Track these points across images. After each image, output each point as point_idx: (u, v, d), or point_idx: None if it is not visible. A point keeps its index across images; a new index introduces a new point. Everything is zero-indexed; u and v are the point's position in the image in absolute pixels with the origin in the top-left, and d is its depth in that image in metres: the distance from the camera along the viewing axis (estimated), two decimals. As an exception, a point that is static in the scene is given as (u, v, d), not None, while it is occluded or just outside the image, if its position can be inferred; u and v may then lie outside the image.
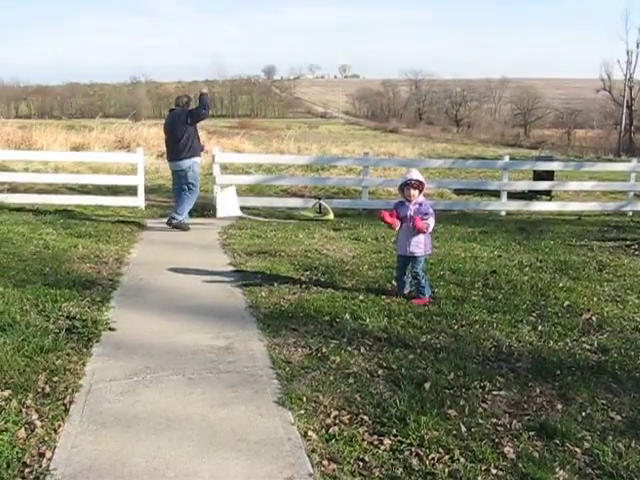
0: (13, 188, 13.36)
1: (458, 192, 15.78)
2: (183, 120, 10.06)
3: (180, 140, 10.01)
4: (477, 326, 5.52)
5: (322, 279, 6.97)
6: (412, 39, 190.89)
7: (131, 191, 12.55)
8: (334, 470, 3.26)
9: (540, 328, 5.52)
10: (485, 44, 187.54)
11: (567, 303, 6.24)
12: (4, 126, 23.12)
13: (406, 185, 6.25)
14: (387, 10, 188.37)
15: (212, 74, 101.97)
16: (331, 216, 11.56)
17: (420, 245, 6.24)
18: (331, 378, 4.34)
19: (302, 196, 14.17)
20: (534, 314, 5.91)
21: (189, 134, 10.04)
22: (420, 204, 6.26)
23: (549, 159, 17.30)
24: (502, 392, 4.23)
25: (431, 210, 6.32)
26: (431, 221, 6.24)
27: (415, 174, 6.27)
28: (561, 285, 6.93)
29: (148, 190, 12.68)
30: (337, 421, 3.75)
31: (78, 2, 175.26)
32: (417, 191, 6.21)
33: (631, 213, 13.59)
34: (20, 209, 11.30)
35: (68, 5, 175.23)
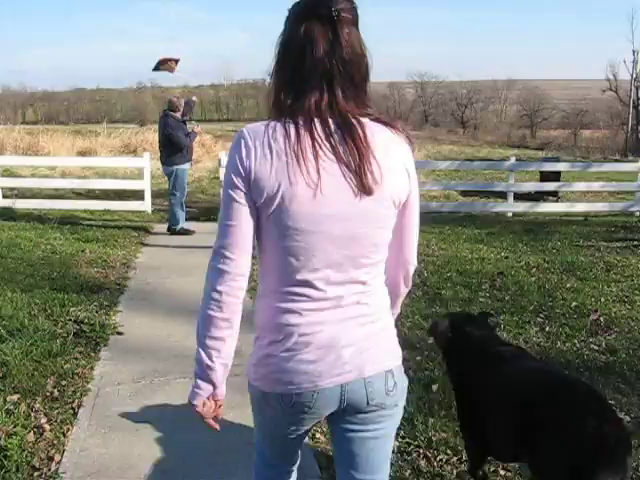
0: (21, 193, 13.41)
1: (465, 194, 15.76)
2: (162, 125, 9.79)
3: (163, 144, 9.79)
4: (484, 327, 5.51)
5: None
6: (417, 41, 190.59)
7: (138, 196, 12.58)
8: (342, 472, 3.26)
9: (548, 329, 5.51)
10: (490, 45, 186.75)
11: (574, 304, 6.23)
12: (11, 132, 23.22)
13: None
14: (391, 12, 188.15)
15: (218, 78, 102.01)
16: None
17: None
18: (338, 380, 4.34)
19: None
20: (541, 315, 5.91)
21: (172, 140, 9.61)
22: None
23: (556, 160, 17.23)
24: (510, 393, 4.22)
25: None
26: None
27: None
28: (568, 286, 6.92)
29: (155, 194, 12.70)
30: (345, 423, 3.75)
31: (85, 8, 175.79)
32: None
33: (639, 213, 13.52)
34: (28, 214, 11.33)
35: (75, 11, 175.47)
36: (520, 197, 14.22)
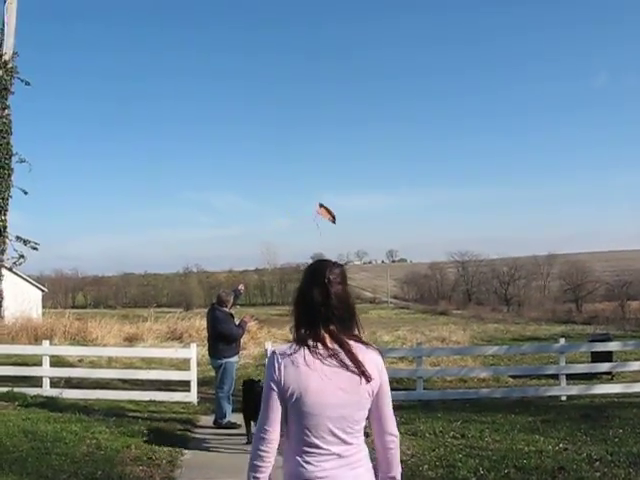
0: (67, 381, 13.46)
1: (515, 376, 15.38)
2: (212, 319, 9.96)
3: (213, 338, 9.88)
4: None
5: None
6: (456, 220, 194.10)
7: (184, 384, 12.53)
8: None
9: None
10: (529, 221, 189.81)
11: (647, 504, 5.81)
12: (61, 317, 23.90)
13: None
14: (429, 195, 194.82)
15: (263, 263, 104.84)
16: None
17: None
18: None
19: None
20: (612, 518, 5.50)
21: (223, 334, 9.76)
22: None
23: (605, 337, 16.90)
24: None
25: None
26: None
27: None
28: (638, 483, 6.48)
29: (201, 382, 12.66)
30: None
31: (135, 194, 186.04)
32: None
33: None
34: (74, 404, 11.28)
35: (126, 203, 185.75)
36: (572, 376, 13.81)
